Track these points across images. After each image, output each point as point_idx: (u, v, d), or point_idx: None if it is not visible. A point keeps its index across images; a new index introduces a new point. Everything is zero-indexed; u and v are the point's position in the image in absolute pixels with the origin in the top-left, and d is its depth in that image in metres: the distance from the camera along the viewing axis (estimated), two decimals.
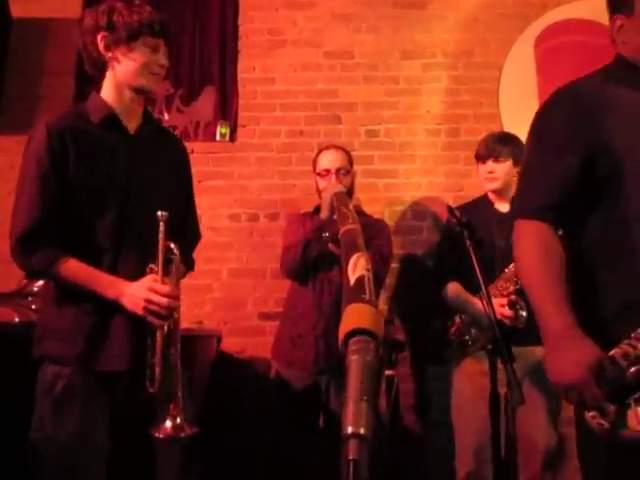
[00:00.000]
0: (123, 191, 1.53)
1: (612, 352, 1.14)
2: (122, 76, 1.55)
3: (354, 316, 0.71)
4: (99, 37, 1.53)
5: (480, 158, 2.37)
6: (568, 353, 1.15)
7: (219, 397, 2.49)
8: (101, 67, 1.57)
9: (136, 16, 1.52)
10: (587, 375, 1.12)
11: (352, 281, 0.78)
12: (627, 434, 1.11)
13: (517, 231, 1.29)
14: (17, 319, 2.19)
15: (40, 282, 2.18)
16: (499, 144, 2.32)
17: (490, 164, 2.31)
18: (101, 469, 1.44)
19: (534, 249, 1.25)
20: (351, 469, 0.57)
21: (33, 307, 2.17)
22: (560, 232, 1.31)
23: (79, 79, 3.05)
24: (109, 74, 1.57)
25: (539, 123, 1.33)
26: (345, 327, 0.70)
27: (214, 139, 3.07)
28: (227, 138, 3.07)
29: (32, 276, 1.55)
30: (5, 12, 3.01)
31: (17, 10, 3.05)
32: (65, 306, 1.48)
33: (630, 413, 1.10)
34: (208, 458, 2.34)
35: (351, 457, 0.57)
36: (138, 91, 1.58)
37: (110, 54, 1.54)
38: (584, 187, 1.23)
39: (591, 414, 1.15)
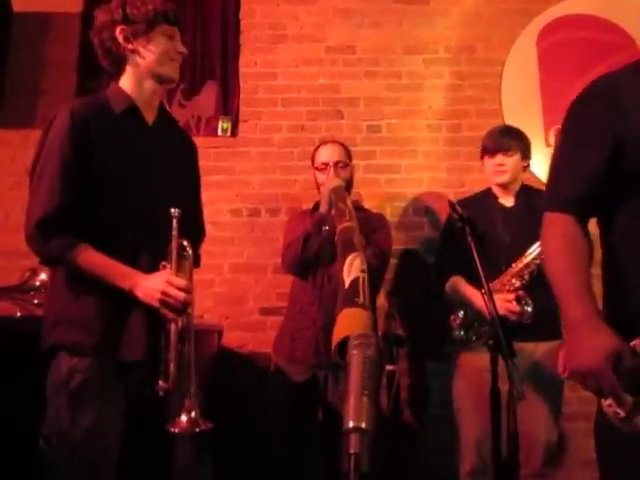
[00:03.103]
0: (142, 183, 1.53)
1: (633, 343, 1.15)
2: (144, 66, 1.57)
3: (347, 322, 0.72)
4: (117, 31, 1.54)
5: (488, 152, 2.33)
6: (587, 340, 1.16)
7: (220, 391, 2.49)
8: (120, 61, 1.57)
9: (150, 6, 1.54)
10: (604, 363, 1.12)
11: (347, 283, 0.78)
12: None
13: (544, 223, 1.32)
14: (19, 313, 2.20)
15: (42, 276, 2.18)
16: (508, 137, 2.30)
17: (499, 157, 2.29)
18: (112, 465, 1.44)
19: (558, 240, 1.27)
20: (352, 463, 0.57)
21: (35, 301, 2.18)
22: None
23: (80, 73, 3.05)
24: (130, 66, 1.58)
25: (570, 116, 1.33)
26: (338, 334, 0.70)
27: (215, 134, 3.07)
28: (228, 133, 3.06)
29: (47, 262, 1.52)
30: (6, 6, 3.00)
31: (18, 4, 3.05)
32: (83, 294, 1.46)
33: None
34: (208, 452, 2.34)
35: (352, 451, 0.58)
36: (160, 79, 1.59)
37: (130, 46, 1.55)
38: (612, 180, 1.23)
39: (607, 402, 1.16)
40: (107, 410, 1.43)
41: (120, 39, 1.54)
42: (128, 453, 1.45)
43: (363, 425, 0.60)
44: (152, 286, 1.43)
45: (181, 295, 1.43)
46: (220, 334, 2.61)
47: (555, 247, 1.28)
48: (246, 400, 2.66)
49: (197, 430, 1.40)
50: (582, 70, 3.05)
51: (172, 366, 1.42)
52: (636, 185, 1.21)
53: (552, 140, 3.04)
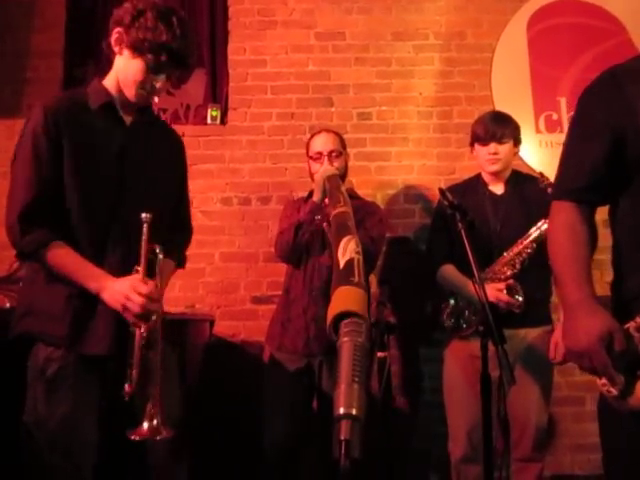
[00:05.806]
0: (113, 184, 1.52)
1: (627, 325, 1.19)
2: (119, 75, 1.56)
3: (342, 299, 0.71)
4: (116, 30, 1.52)
5: (480, 140, 2.29)
6: (582, 321, 1.20)
7: (212, 381, 2.50)
8: (111, 54, 1.58)
9: (160, 37, 1.47)
10: (598, 343, 1.16)
11: (342, 264, 0.78)
12: (634, 403, 1.16)
13: (551, 211, 1.37)
14: (8, 304, 2.18)
15: None
16: (500, 125, 2.27)
17: (493, 146, 2.26)
18: (90, 455, 1.45)
19: (561, 227, 1.33)
20: (343, 449, 0.57)
21: None
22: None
23: (67, 61, 3.01)
24: (114, 65, 1.58)
25: (578, 107, 1.38)
26: (333, 310, 0.70)
27: (205, 122, 3.05)
28: (218, 121, 3.04)
29: (22, 258, 1.54)
30: None
31: None
32: (55, 286, 1.47)
33: (639, 384, 1.15)
34: (201, 441, 2.35)
35: (343, 437, 0.58)
36: (124, 98, 1.57)
37: (117, 48, 1.54)
38: (616, 169, 1.28)
39: (602, 381, 1.20)
40: (82, 400, 1.45)
41: (112, 38, 1.53)
42: (104, 449, 1.47)
43: (354, 412, 0.60)
44: (117, 289, 1.43)
45: (140, 301, 1.42)
46: (212, 323, 2.61)
47: (557, 234, 1.33)
48: (238, 389, 2.67)
49: (158, 438, 1.40)
50: (572, 56, 3.05)
51: (135, 371, 1.42)
52: (638, 174, 1.25)
53: (542, 126, 3.05)
